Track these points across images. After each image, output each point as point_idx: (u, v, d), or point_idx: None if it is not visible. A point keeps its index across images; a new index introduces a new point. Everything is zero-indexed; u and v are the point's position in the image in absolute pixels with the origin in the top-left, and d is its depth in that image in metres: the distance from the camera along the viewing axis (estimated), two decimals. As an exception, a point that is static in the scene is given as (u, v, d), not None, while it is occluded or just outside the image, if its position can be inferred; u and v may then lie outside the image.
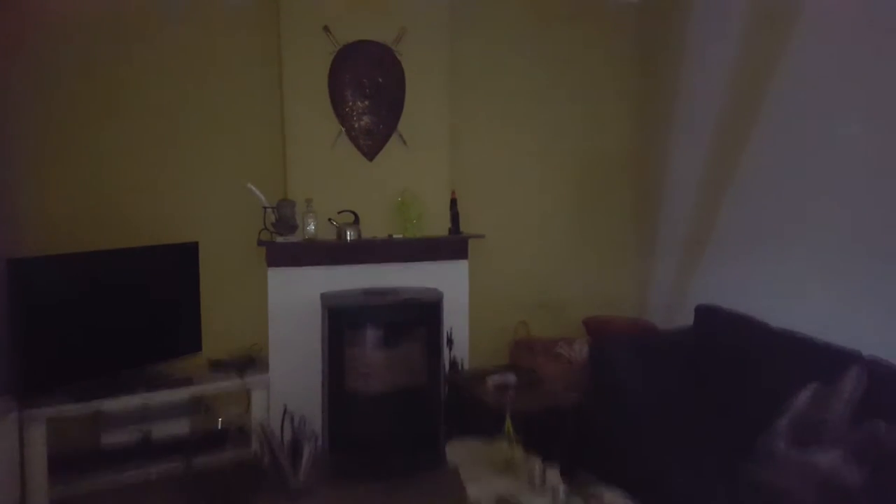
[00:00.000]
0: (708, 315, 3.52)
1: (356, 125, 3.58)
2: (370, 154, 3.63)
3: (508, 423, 2.68)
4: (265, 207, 3.44)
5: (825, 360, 2.73)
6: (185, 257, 3.43)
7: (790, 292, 3.22)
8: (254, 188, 3.40)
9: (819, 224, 3.06)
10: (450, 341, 3.71)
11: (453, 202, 3.84)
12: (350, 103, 3.55)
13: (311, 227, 3.49)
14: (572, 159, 4.32)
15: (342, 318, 3.38)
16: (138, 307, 3.28)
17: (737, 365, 3.10)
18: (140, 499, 2.99)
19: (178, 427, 3.30)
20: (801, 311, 3.09)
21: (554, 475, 2.38)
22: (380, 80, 3.58)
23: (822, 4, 2.99)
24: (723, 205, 3.66)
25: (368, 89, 3.57)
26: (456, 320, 3.74)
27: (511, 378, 3.48)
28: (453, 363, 3.73)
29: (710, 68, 3.72)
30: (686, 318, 3.66)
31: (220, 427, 3.36)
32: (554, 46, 4.19)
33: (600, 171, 4.40)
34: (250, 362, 3.47)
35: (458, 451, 2.75)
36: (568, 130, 4.29)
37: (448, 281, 3.73)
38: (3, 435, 2.57)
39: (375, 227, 3.67)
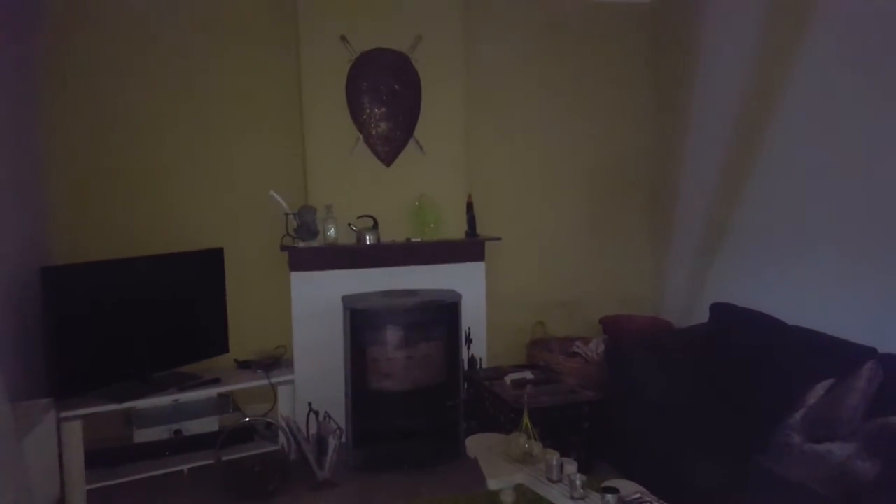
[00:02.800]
0: (723, 312, 3.55)
1: (374, 132, 3.67)
2: (388, 160, 3.73)
3: (526, 418, 2.74)
4: (287, 214, 3.55)
5: (840, 356, 2.74)
6: (211, 263, 3.56)
7: (805, 290, 3.23)
8: (276, 195, 3.52)
9: (835, 222, 3.06)
10: (468, 340, 3.78)
11: (469, 206, 3.91)
12: (368, 110, 3.65)
13: (332, 232, 3.59)
14: (588, 161, 4.38)
15: (363, 319, 3.47)
16: (167, 311, 3.40)
17: (752, 361, 3.13)
18: (173, 491, 3.12)
19: (208, 424, 3.43)
20: (816, 308, 3.11)
21: (571, 467, 2.44)
22: (396, 87, 3.67)
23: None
24: (738, 203, 3.68)
25: (385, 96, 3.66)
26: (474, 320, 3.81)
27: (528, 375, 3.55)
28: (472, 361, 3.80)
29: (725, 66, 3.73)
30: (702, 317, 3.70)
31: (247, 423, 3.47)
32: (568, 51, 4.26)
33: (616, 172, 4.45)
34: (275, 363, 3.58)
35: (478, 445, 2.81)
36: (584, 132, 4.35)
37: (466, 282, 3.80)
38: (43, 435, 2.69)
39: (394, 231, 3.75)
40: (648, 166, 4.48)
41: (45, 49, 3.38)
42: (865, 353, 2.67)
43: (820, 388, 2.70)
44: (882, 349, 2.67)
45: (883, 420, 2.39)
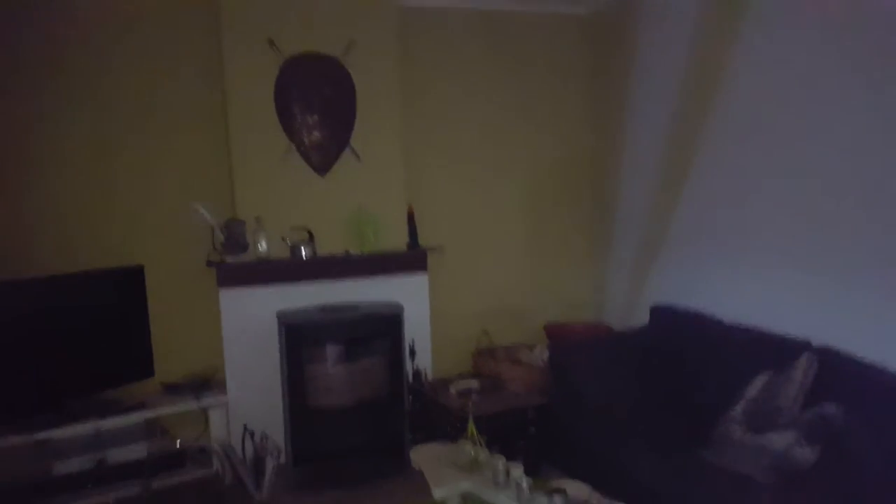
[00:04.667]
0: (662, 314, 3.60)
1: (306, 140, 3.57)
2: (322, 169, 3.62)
3: (471, 425, 2.67)
4: (213, 227, 3.38)
5: (777, 350, 2.81)
6: (130, 281, 3.35)
7: (742, 288, 3.29)
8: (200, 207, 3.35)
9: (769, 220, 3.13)
10: (412, 352, 3.69)
11: (410, 216, 3.84)
12: (299, 118, 3.54)
13: (263, 246, 3.45)
14: (527, 167, 4.38)
15: (300, 335, 3.34)
16: (83, 334, 3.17)
17: (692, 359, 3.17)
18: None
19: (135, 452, 3.19)
20: (753, 306, 3.17)
21: (518, 472, 2.38)
22: (329, 93, 3.58)
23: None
24: (676, 206, 3.73)
25: (318, 103, 3.56)
26: (418, 332, 3.73)
27: (474, 384, 3.49)
28: (416, 373, 3.71)
29: (662, 68, 3.80)
30: (643, 319, 3.74)
31: (178, 449, 3.26)
32: (506, 58, 4.26)
33: (556, 178, 4.46)
34: (205, 384, 3.39)
35: (423, 456, 2.73)
36: (522, 139, 4.35)
37: (408, 294, 3.71)
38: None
39: (331, 244, 3.64)
40: (588, 171, 4.52)
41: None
42: (800, 346, 2.74)
43: (759, 381, 2.75)
44: (815, 342, 2.74)
45: (819, 408, 2.44)
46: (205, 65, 3.57)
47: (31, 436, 2.83)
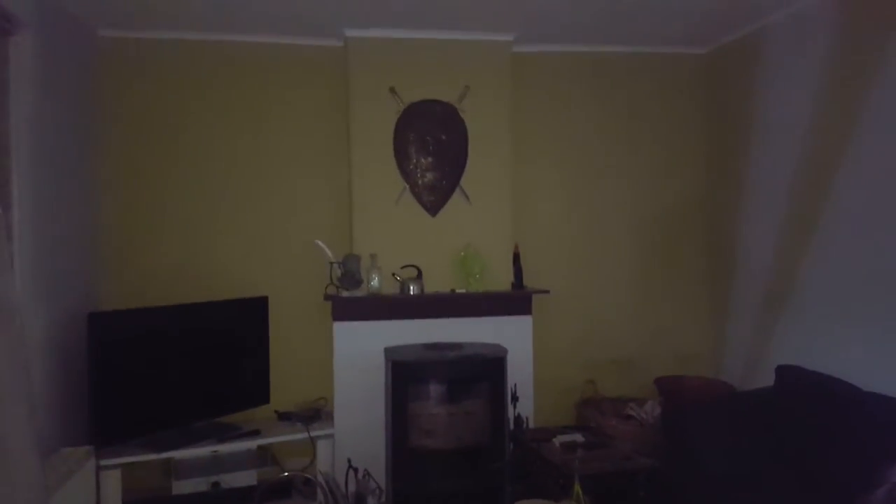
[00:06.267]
0: (790, 375, 3.30)
1: (420, 181, 3.67)
2: (433, 210, 3.70)
3: (577, 486, 2.56)
4: (331, 262, 3.53)
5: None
6: (254, 311, 3.55)
7: (882, 353, 2.98)
8: (321, 244, 3.51)
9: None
10: (514, 398, 3.62)
11: (516, 257, 3.82)
12: (414, 160, 3.66)
13: (376, 282, 3.55)
14: (640, 213, 4.24)
15: (406, 373, 3.38)
16: (210, 360, 3.39)
17: (824, 430, 2.88)
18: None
19: (247, 478, 3.35)
20: (892, 375, 2.86)
21: (624, 544, 2.25)
22: (443, 137, 3.68)
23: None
24: (804, 260, 3.47)
25: (432, 146, 3.67)
26: (520, 377, 3.66)
27: (579, 437, 3.35)
28: (518, 420, 3.63)
29: (786, 110, 3.57)
30: (765, 380, 3.45)
31: (285, 478, 3.38)
32: (619, 100, 4.19)
33: (670, 225, 4.29)
34: (316, 415, 3.51)
35: (524, 513, 2.64)
36: (635, 184, 4.23)
37: (512, 336, 3.67)
38: (81, 482, 2.66)
39: (438, 282, 3.69)
40: (704, 218, 4.31)
41: (102, 95, 3.53)
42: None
43: (905, 463, 2.45)
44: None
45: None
46: (331, 109, 3.79)
47: (159, 454, 3.03)
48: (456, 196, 3.72)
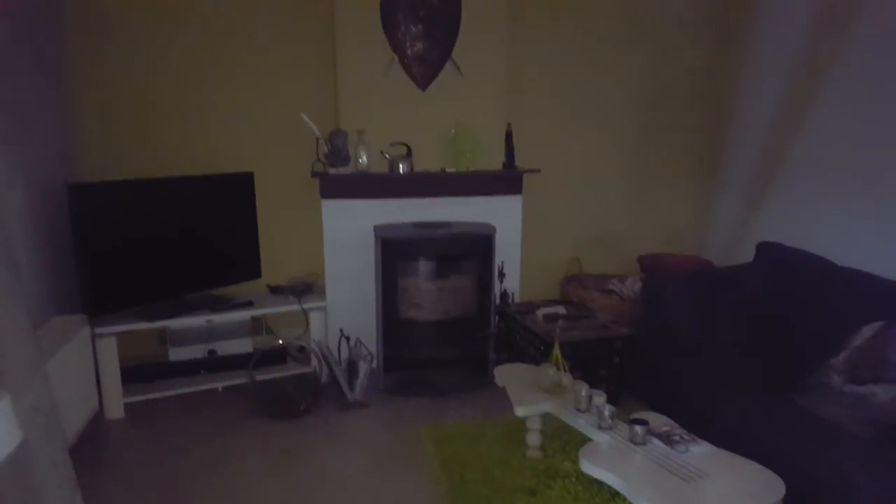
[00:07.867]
0: (769, 252, 3.39)
1: (409, 52, 3.51)
2: (423, 83, 3.58)
3: (557, 350, 2.69)
4: (318, 138, 3.47)
5: (890, 299, 2.62)
6: (241, 187, 3.53)
7: (861, 231, 3.05)
8: (307, 118, 3.43)
9: (893, 161, 2.85)
10: (501, 274, 3.72)
11: (509, 135, 3.76)
12: (403, 28, 3.47)
13: (364, 159, 3.51)
14: (636, 87, 4.15)
15: (395, 250, 3.43)
16: (198, 233, 3.40)
17: (797, 301, 3.00)
18: (208, 407, 3.20)
19: (242, 346, 3.50)
20: (871, 250, 2.94)
21: (600, 398, 2.40)
22: (435, 1, 3.47)
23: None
24: (796, 138, 3.45)
25: (423, 12, 3.46)
26: (508, 255, 3.73)
27: (561, 310, 3.48)
28: (504, 295, 3.75)
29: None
30: (746, 257, 3.55)
31: (280, 346, 3.53)
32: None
33: (666, 98, 4.20)
34: (308, 289, 3.59)
35: (506, 374, 2.79)
36: (632, 55, 4.10)
37: (501, 215, 3.70)
38: (78, 348, 2.75)
39: (428, 160, 3.65)
40: (701, 91, 4.21)
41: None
42: (921, 296, 2.53)
43: (867, 330, 2.59)
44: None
45: (935, 365, 2.27)
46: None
47: (152, 323, 3.13)
48: (447, 69, 3.59)
